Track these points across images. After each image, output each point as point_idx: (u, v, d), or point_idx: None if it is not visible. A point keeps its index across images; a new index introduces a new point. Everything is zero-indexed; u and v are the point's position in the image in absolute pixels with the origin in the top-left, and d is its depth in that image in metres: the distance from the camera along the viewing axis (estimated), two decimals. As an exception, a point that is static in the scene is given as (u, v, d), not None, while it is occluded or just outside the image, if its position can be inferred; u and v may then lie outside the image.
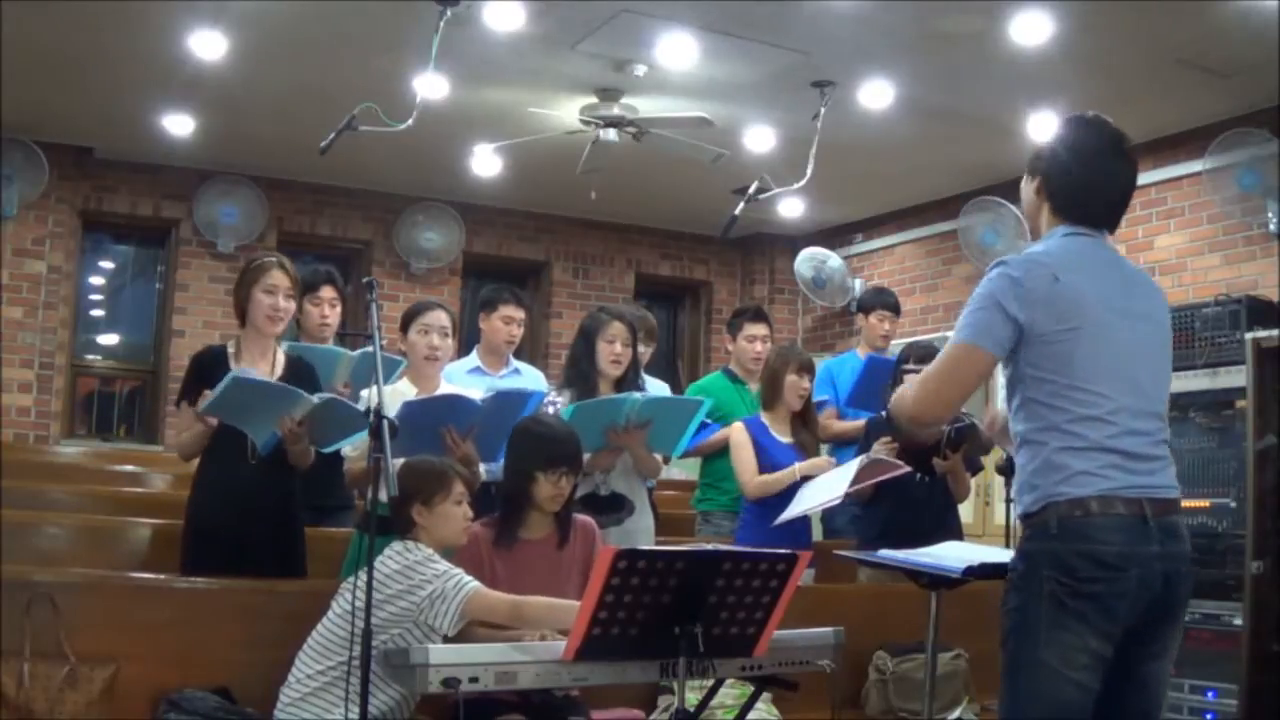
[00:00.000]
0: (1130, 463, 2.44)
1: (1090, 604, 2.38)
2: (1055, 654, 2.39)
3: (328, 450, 3.88)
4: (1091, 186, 2.61)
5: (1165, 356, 2.63)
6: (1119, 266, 2.65)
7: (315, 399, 3.67)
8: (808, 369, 4.77)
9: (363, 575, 3.17)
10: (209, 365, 3.83)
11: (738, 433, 4.71)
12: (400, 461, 3.31)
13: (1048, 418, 2.47)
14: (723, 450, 4.94)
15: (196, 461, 3.88)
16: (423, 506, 3.25)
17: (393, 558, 3.19)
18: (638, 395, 4.13)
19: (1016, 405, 2.54)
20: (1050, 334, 2.47)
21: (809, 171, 6.60)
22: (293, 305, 3.94)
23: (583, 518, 3.63)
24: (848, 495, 4.95)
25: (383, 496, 3.47)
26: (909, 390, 2.65)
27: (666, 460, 4.40)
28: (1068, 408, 2.45)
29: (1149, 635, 2.47)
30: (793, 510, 4.41)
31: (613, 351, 4.22)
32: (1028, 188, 2.70)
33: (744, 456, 4.64)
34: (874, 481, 4.55)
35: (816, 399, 5.14)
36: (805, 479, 4.57)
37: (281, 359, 3.94)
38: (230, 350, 3.89)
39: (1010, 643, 2.48)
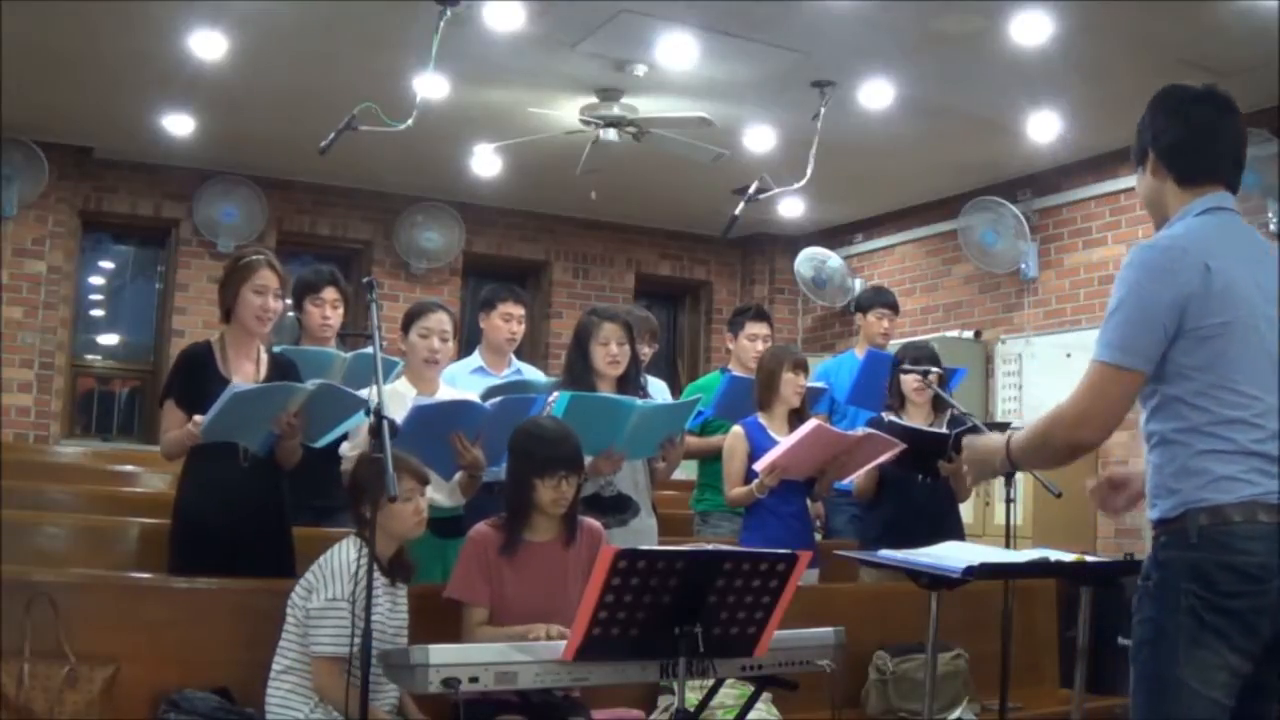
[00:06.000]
0: (1274, 467, 2.25)
1: (1230, 620, 2.21)
2: (1193, 673, 2.22)
3: (319, 444, 3.84)
4: (1205, 138, 2.45)
5: None
6: (1262, 247, 2.46)
7: (310, 385, 3.63)
8: (802, 366, 4.80)
9: (319, 564, 3.24)
10: (197, 364, 3.80)
11: (734, 439, 4.72)
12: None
13: (1190, 418, 2.27)
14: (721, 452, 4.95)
15: (183, 459, 3.85)
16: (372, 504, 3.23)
17: (336, 554, 3.24)
18: (637, 401, 4.10)
19: (1154, 402, 2.34)
20: (1203, 328, 2.26)
21: (809, 171, 6.60)
22: (281, 305, 3.90)
23: (590, 521, 3.62)
24: (848, 493, 4.99)
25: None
26: (1059, 413, 2.37)
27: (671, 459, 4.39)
28: (1213, 409, 2.26)
29: None
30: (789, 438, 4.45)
31: (608, 353, 4.19)
32: (1144, 177, 2.49)
33: (733, 466, 4.67)
34: (874, 464, 4.56)
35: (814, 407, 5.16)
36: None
37: (265, 358, 3.91)
38: (215, 349, 3.84)
39: (1144, 655, 2.30)
